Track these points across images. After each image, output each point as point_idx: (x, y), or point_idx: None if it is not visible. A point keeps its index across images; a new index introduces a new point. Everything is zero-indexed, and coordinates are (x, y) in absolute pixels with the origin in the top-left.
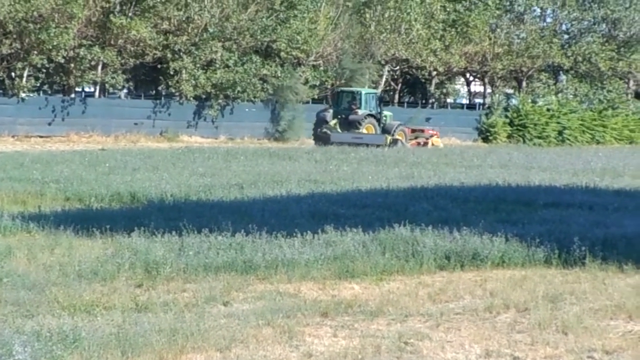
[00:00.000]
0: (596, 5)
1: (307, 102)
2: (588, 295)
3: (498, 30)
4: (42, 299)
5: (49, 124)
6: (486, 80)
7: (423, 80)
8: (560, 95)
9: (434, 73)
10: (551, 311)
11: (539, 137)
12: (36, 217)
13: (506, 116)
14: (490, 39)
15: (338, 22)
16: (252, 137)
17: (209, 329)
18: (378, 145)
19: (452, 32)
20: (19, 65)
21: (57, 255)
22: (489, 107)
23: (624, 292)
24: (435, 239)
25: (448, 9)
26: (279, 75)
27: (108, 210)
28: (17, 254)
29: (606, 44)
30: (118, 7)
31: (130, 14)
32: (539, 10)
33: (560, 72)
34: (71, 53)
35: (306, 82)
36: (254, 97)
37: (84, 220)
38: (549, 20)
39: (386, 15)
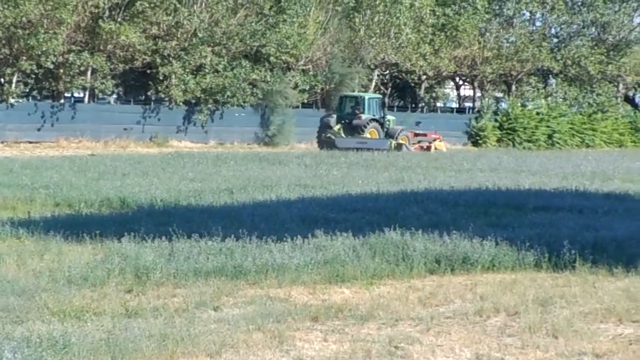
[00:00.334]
0: (585, 9)
1: (297, 107)
2: (578, 299)
3: (487, 34)
4: (31, 305)
5: (39, 130)
6: (476, 84)
7: (413, 84)
8: (549, 98)
9: (424, 77)
10: (541, 315)
11: (529, 141)
12: (26, 223)
13: (496, 120)
14: (479, 42)
15: (327, 26)
16: (242, 142)
17: (199, 334)
18: (383, 150)
19: (442, 36)
20: (8, 71)
21: (47, 261)
22: (478, 111)
23: (614, 296)
24: (426, 243)
25: (437, 13)
26: (269, 79)
27: (98, 215)
28: (7, 260)
29: (595, 47)
30: (107, 13)
31: (119, 19)
32: (528, 14)
33: (550, 75)
34: (60, 58)
35: (296, 86)
36: (244, 102)
37: (74, 226)
38: (538, 24)
39: (375, 19)
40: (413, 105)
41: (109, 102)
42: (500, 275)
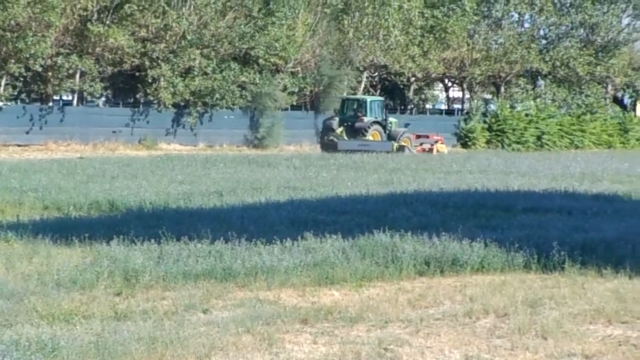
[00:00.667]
0: (574, 10)
1: (286, 109)
2: (567, 300)
3: (476, 36)
4: (20, 308)
5: (27, 133)
6: (464, 85)
7: (402, 86)
8: (538, 100)
9: (413, 79)
10: (530, 316)
11: (518, 142)
12: (14, 226)
13: (485, 121)
14: (468, 44)
15: (316, 28)
16: (231, 144)
17: (189, 336)
18: (385, 152)
19: (430, 38)
20: None
21: (36, 264)
22: (467, 113)
23: (603, 297)
24: (415, 244)
25: (426, 15)
26: (258, 82)
27: (87, 218)
28: None
29: (584, 48)
30: (95, 15)
31: (107, 22)
32: (516, 15)
33: (539, 77)
34: (49, 61)
35: (285, 88)
36: (233, 104)
37: (63, 229)
38: (526, 25)
39: (364, 21)
40: (402, 107)
41: (97, 105)
42: (489, 276)
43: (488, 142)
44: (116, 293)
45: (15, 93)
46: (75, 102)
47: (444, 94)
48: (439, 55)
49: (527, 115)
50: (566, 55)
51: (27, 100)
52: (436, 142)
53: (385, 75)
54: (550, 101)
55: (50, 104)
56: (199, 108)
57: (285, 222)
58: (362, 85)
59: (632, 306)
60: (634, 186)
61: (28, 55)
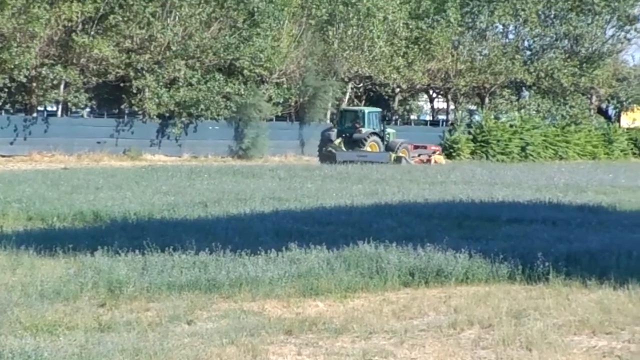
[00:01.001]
0: (558, 21)
1: (271, 120)
2: (552, 311)
3: (460, 47)
4: (3, 320)
5: (11, 144)
6: (449, 96)
7: (386, 97)
8: (523, 111)
9: (397, 90)
10: (515, 327)
11: (502, 153)
12: None
13: (469, 132)
14: (452, 55)
15: (301, 39)
16: (216, 155)
17: (173, 348)
18: (383, 163)
19: (415, 49)
20: None
21: (19, 275)
22: (452, 124)
23: (587, 308)
24: (400, 255)
25: (411, 26)
26: (243, 92)
27: (71, 229)
28: None
29: (568, 60)
30: (80, 26)
31: (92, 33)
32: (501, 26)
33: (523, 88)
34: (33, 72)
35: (269, 99)
36: (218, 115)
37: (47, 240)
38: (511, 36)
39: (349, 32)
40: (387, 118)
41: (82, 116)
42: (474, 287)
43: (472, 153)
44: (100, 304)
45: (0, 104)
46: (59, 112)
47: (429, 105)
48: (424, 66)
49: (511, 126)
50: (550, 66)
51: (11, 111)
52: (434, 152)
53: (370, 86)
54: (534, 112)
55: (35, 114)
56: (183, 119)
57: (269, 233)
58: (347, 96)
59: (617, 317)
60: (619, 197)
61: (12, 66)
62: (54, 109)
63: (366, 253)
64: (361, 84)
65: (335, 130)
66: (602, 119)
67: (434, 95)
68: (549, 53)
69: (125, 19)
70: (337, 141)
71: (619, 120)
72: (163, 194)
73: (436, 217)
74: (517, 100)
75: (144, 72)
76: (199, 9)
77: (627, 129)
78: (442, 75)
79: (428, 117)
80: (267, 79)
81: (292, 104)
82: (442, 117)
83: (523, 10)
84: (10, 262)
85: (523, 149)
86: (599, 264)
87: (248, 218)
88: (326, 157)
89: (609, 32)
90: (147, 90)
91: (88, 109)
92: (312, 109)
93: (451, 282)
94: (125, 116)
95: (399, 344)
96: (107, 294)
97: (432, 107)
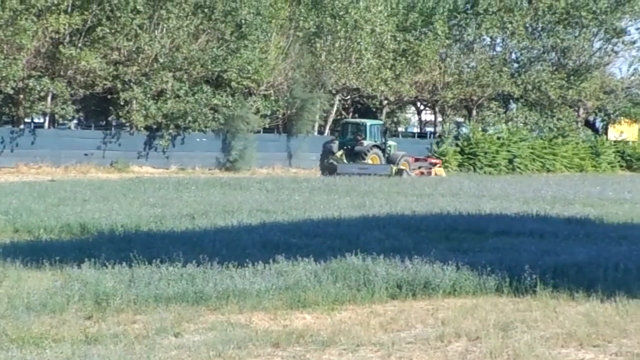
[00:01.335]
0: (545, 34)
1: (258, 132)
2: (539, 324)
3: (448, 59)
4: None
5: None
6: (437, 109)
7: (374, 109)
8: (510, 123)
9: (385, 102)
10: (502, 340)
11: (490, 166)
12: None
13: (457, 145)
14: (440, 68)
15: (289, 51)
16: (204, 167)
17: None
18: (384, 176)
19: (403, 62)
20: None
21: (6, 288)
22: (439, 136)
23: (574, 320)
24: (387, 267)
25: (398, 39)
26: (230, 105)
27: (58, 241)
28: None
29: (556, 72)
30: (67, 38)
31: (79, 45)
32: (488, 39)
33: (511, 100)
34: (20, 84)
35: (257, 111)
36: (205, 127)
37: (33, 252)
38: (498, 49)
39: (337, 44)
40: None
41: (69, 128)
42: (461, 300)
43: (460, 165)
44: (87, 316)
45: None
46: (46, 124)
47: (416, 117)
48: (411, 79)
49: (499, 138)
50: (538, 78)
51: None
52: (434, 165)
53: (357, 98)
54: (522, 124)
55: (22, 126)
56: (171, 131)
57: (257, 245)
58: (335, 109)
59: (604, 330)
60: (606, 210)
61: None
62: (41, 120)
63: (354, 265)
64: (349, 96)
65: (337, 142)
66: (589, 132)
67: (422, 107)
68: (537, 65)
69: (113, 31)
70: (339, 153)
71: (606, 133)
72: (150, 206)
73: (424, 229)
74: (505, 112)
75: (131, 84)
76: (187, 21)
77: (615, 141)
78: (430, 88)
79: (416, 130)
80: (255, 91)
81: (280, 116)
82: (429, 129)
83: (510, 22)
84: None
85: (510, 161)
86: (587, 276)
87: (235, 230)
88: (328, 169)
89: (597, 45)
90: (134, 102)
91: (75, 121)
92: (299, 121)
93: (438, 294)
94: (113, 128)
95: (386, 356)
96: (94, 306)
97: (420, 119)
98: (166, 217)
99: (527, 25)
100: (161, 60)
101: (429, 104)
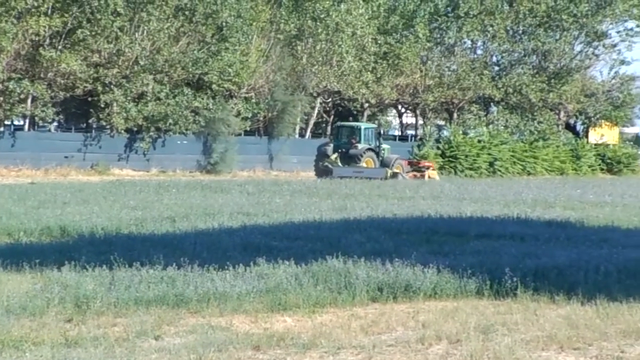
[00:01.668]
0: (526, 37)
1: (239, 134)
2: (520, 326)
3: (429, 62)
4: None
5: None
6: (418, 112)
7: (355, 112)
8: (491, 126)
9: (366, 105)
10: (483, 342)
11: (471, 169)
12: None
13: (438, 147)
14: (421, 71)
15: (269, 54)
16: (184, 170)
17: None
18: (379, 179)
19: (384, 65)
20: None
21: None
22: (420, 139)
23: (555, 323)
24: (368, 270)
25: (379, 42)
26: (211, 107)
27: (38, 244)
28: None
29: (537, 75)
30: (48, 40)
31: (60, 47)
32: (469, 42)
33: (491, 103)
34: (0, 86)
35: (238, 114)
36: (186, 130)
37: (13, 255)
38: (479, 52)
39: (318, 47)
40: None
41: (49, 130)
42: (442, 302)
43: (441, 168)
44: (67, 319)
45: None
46: (26, 127)
47: (397, 120)
48: (392, 82)
49: (479, 141)
50: (519, 82)
51: None
52: (427, 168)
53: (338, 101)
54: (502, 127)
55: (2, 129)
56: (151, 133)
57: (238, 248)
58: (316, 111)
59: (584, 332)
60: (586, 213)
61: None
62: (21, 123)
63: (334, 268)
64: (330, 99)
65: (332, 145)
66: (570, 135)
67: (403, 110)
68: (517, 69)
69: (93, 33)
70: (334, 156)
71: (587, 136)
72: (131, 209)
73: (405, 232)
74: (486, 115)
75: (111, 86)
76: (167, 23)
77: (595, 144)
78: (411, 91)
79: (397, 132)
80: (236, 94)
81: (261, 118)
82: (410, 132)
83: (491, 26)
84: None
85: (491, 164)
86: (567, 279)
87: (216, 233)
88: (322, 171)
89: (577, 48)
90: (115, 104)
91: (55, 124)
92: (280, 123)
93: (419, 297)
94: (93, 130)
95: (367, 359)
96: (74, 309)
97: (401, 122)
98: (147, 220)
99: (508, 28)
100: (142, 63)
101: (410, 107)
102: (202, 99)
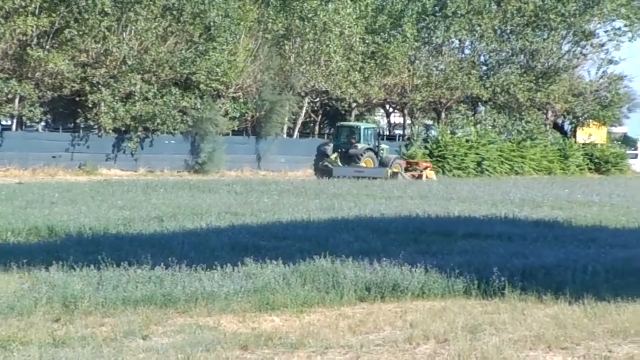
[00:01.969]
0: (514, 37)
1: (227, 134)
2: (507, 326)
3: (417, 62)
4: None
5: None
6: (406, 111)
7: (343, 112)
8: (479, 126)
9: (354, 105)
10: (471, 342)
11: (459, 169)
12: None
13: (426, 147)
14: (409, 70)
15: (258, 54)
16: (172, 170)
17: None
18: (380, 179)
19: (372, 64)
20: None
21: None
22: (409, 139)
23: (543, 323)
24: (356, 270)
25: (367, 42)
26: (199, 107)
27: (25, 244)
28: None
29: (525, 75)
30: (35, 40)
31: (47, 47)
32: (457, 42)
33: (479, 103)
34: None
35: (226, 114)
36: (174, 130)
37: (1, 255)
38: (467, 52)
39: (306, 47)
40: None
41: (37, 130)
42: (430, 302)
43: None
44: (55, 319)
45: None
46: (14, 127)
47: (386, 120)
48: (380, 82)
49: (467, 141)
50: (507, 81)
51: None
52: (426, 168)
53: (326, 101)
54: (490, 127)
55: None
56: (140, 133)
57: (226, 247)
58: (304, 111)
59: (572, 332)
60: (574, 212)
61: None
62: (9, 123)
63: (323, 268)
64: (318, 99)
65: (332, 145)
66: (558, 135)
67: (391, 110)
68: (505, 68)
69: (81, 33)
70: (334, 156)
71: (575, 136)
72: (119, 209)
73: (393, 232)
74: (474, 115)
75: (99, 86)
76: (155, 23)
77: (583, 144)
78: (399, 90)
79: (385, 132)
80: (224, 94)
81: (249, 118)
82: (398, 132)
83: (479, 25)
84: None
85: (479, 164)
86: (555, 279)
87: (204, 233)
88: (323, 171)
89: (565, 48)
90: (103, 104)
91: (43, 124)
92: (268, 123)
93: (407, 297)
94: (81, 131)
95: (355, 359)
96: (62, 309)
97: (389, 122)
98: (135, 220)
99: (496, 28)
100: (130, 63)
101: (398, 107)
102: (190, 99)
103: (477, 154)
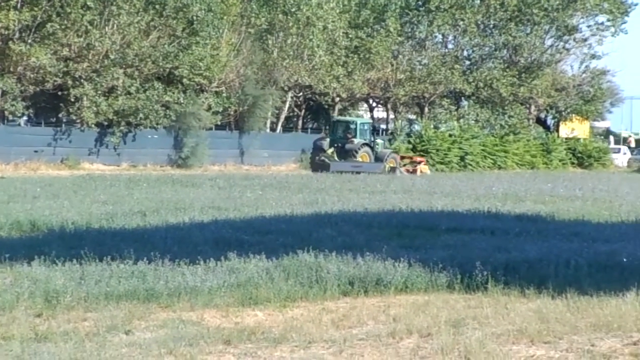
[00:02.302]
0: (497, 31)
1: (210, 129)
2: (490, 320)
3: (400, 56)
4: None
5: None
6: (389, 106)
7: (326, 106)
8: (462, 120)
9: (337, 99)
10: (454, 336)
11: (441, 163)
12: None
13: (409, 142)
14: (392, 65)
15: (240, 48)
16: (155, 164)
17: (110, 358)
18: (377, 173)
19: (355, 59)
20: None
21: None
22: (392, 133)
23: (525, 317)
24: (339, 264)
25: (350, 36)
26: (182, 101)
27: (7, 239)
28: None
29: (507, 69)
30: (17, 34)
31: (29, 41)
32: (440, 36)
33: (462, 97)
34: None
35: (209, 108)
36: (157, 124)
37: None
38: (450, 46)
39: (289, 41)
40: (327, 127)
41: (19, 124)
42: (413, 296)
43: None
44: (37, 314)
45: None
46: None
47: (369, 114)
48: (364, 76)
49: (450, 135)
50: (489, 76)
51: None
52: (419, 163)
53: (309, 95)
54: (473, 122)
55: None
56: (122, 127)
57: (209, 242)
58: (287, 106)
59: (555, 326)
60: (557, 207)
61: None
62: None
63: (306, 262)
64: (301, 93)
65: (328, 139)
66: (540, 129)
67: (374, 104)
68: (488, 63)
69: (63, 27)
70: (330, 151)
71: (557, 130)
72: (101, 203)
73: (376, 226)
74: (456, 109)
75: (82, 80)
76: (138, 17)
77: (566, 138)
78: (382, 85)
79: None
80: (207, 88)
81: (232, 112)
82: (382, 126)
83: (462, 20)
84: None
85: (462, 158)
86: (538, 273)
87: (187, 227)
88: (319, 166)
89: (548, 42)
90: (85, 98)
91: (25, 118)
92: (251, 118)
93: (390, 291)
94: (63, 125)
95: (338, 353)
96: (44, 304)
97: (372, 116)
98: (117, 215)
99: (479, 22)
100: (112, 57)
101: (381, 101)
102: (173, 93)
103: (460, 148)
